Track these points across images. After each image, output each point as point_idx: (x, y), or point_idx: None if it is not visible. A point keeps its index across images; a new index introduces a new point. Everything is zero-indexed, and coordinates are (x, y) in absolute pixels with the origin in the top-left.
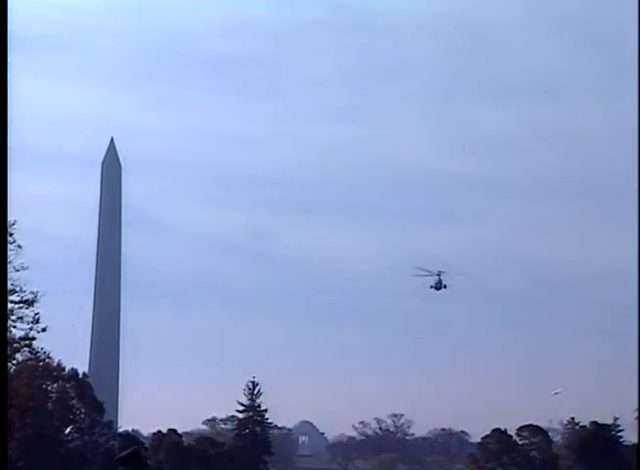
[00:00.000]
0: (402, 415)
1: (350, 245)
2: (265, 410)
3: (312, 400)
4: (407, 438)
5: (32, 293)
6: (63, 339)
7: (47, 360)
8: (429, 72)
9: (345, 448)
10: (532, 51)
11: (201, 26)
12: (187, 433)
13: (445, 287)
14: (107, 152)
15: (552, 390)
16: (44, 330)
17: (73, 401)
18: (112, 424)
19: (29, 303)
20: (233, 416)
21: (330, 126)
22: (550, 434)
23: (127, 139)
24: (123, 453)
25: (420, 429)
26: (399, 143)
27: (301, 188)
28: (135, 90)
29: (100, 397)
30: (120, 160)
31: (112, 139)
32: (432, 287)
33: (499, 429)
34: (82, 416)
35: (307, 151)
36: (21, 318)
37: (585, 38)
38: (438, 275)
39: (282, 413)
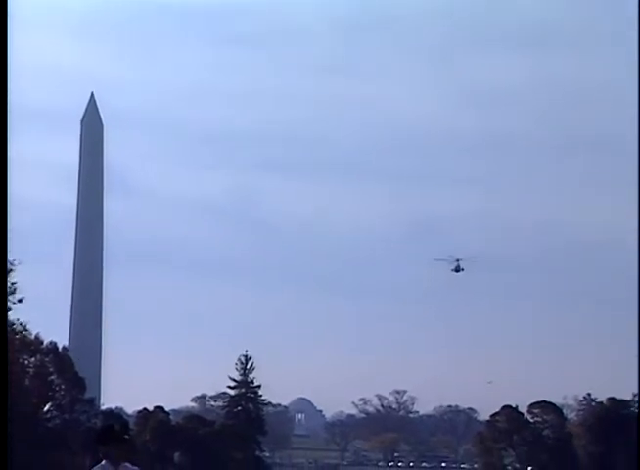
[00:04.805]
0: (405, 391)
1: (348, 208)
2: (259, 386)
3: (309, 376)
4: (411, 416)
5: (8, 262)
6: (41, 310)
7: (24, 333)
8: (428, 22)
9: (345, 427)
10: None
11: None
12: (175, 411)
13: (463, 270)
14: (86, 109)
15: (566, 364)
16: (20, 301)
17: (52, 377)
18: (94, 401)
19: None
20: (224, 393)
21: (324, 80)
22: (564, 411)
23: (107, 94)
24: (98, 433)
25: (424, 406)
26: (398, 98)
27: (294, 146)
28: (114, 43)
29: (81, 372)
30: (102, 118)
31: (92, 95)
32: (452, 270)
33: (509, 406)
34: (62, 393)
35: (298, 107)
36: None
37: None
38: (457, 261)
39: (276, 389)
